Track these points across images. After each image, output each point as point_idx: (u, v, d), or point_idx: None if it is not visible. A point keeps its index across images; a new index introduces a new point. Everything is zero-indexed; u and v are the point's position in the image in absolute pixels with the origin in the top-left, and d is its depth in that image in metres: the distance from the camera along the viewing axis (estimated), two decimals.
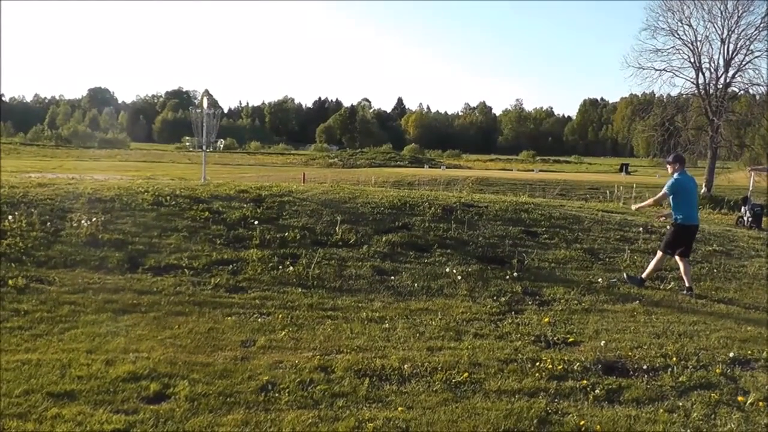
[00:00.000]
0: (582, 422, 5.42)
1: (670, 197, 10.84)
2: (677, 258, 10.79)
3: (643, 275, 10.80)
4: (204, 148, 18.90)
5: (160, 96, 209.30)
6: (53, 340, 6.94)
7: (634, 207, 12.52)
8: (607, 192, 32.42)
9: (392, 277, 10.24)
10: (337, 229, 12.11)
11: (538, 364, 6.80)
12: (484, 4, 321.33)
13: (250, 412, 5.40)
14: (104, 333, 7.22)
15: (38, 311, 7.78)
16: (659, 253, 10.84)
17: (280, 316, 8.18)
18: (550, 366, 6.70)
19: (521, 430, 5.28)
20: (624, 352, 7.33)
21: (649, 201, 11.70)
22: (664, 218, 11.80)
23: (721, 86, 43.63)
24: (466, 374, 6.41)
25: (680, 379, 6.56)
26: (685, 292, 10.43)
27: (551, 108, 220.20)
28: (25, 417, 5.09)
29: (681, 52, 44.26)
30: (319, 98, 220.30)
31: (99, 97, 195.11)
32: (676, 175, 10.77)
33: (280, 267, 10.23)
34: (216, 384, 5.92)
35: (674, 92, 49.98)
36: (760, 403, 5.99)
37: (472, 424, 5.35)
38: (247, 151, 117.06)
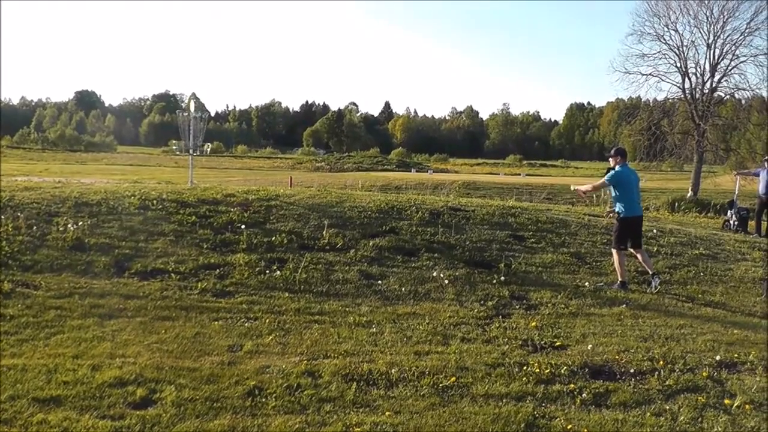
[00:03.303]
0: (569, 426, 5.43)
1: (612, 189, 11.20)
2: (632, 251, 11.04)
3: (620, 278, 10.88)
4: (191, 151, 18.86)
5: (147, 99, 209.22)
6: (39, 345, 6.90)
7: (572, 187, 12.57)
8: (594, 196, 32.46)
9: (379, 282, 10.23)
10: (324, 233, 12.09)
11: (525, 368, 6.81)
12: (471, 7, 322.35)
13: (237, 417, 5.39)
14: (90, 338, 7.19)
15: (24, 316, 7.73)
16: (613, 251, 11.09)
17: (267, 320, 8.17)
18: (538, 370, 6.71)
19: None
20: (611, 355, 7.35)
21: (588, 186, 12.01)
22: (611, 215, 11.84)
23: (707, 91, 43.84)
24: (453, 378, 6.42)
25: (667, 382, 6.58)
26: (653, 280, 10.77)
27: (538, 112, 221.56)
28: (11, 423, 5.06)
29: (667, 56, 44.48)
30: (307, 102, 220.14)
31: (86, 100, 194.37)
32: (617, 168, 11.05)
33: (267, 271, 10.21)
34: (203, 389, 5.90)
35: (660, 97, 50.16)
36: (747, 406, 6.02)
37: (460, 429, 5.35)
38: (234, 154, 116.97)
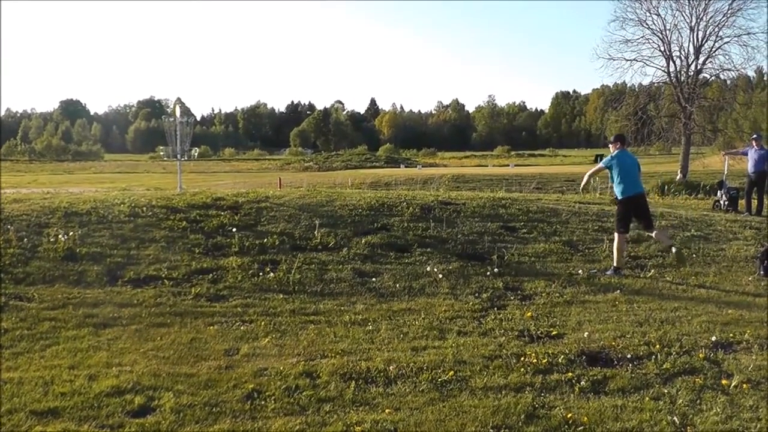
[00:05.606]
0: (569, 414, 5.42)
1: (610, 174, 11.16)
2: (648, 234, 11.06)
3: (614, 263, 10.89)
4: (179, 156, 18.79)
5: (132, 106, 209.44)
6: (35, 357, 6.86)
7: (581, 189, 12.75)
8: (594, 183, 32.55)
9: (373, 279, 10.22)
10: (315, 233, 12.08)
11: (522, 358, 6.80)
12: (452, 1, 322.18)
13: (237, 421, 5.36)
14: (86, 348, 7.15)
15: (18, 329, 7.68)
16: (615, 235, 11.05)
17: (263, 323, 8.14)
18: (535, 360, 6.71)
19: (509, 426, 5.28)
20: (607, 342, 7.36)
21: (585, 177, 11.90)
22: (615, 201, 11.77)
23: (692, 73, 43.91)
24: (451, 373, 6.41)
25: (664, 366, 6.59)
26: (672, 250, 10.71)
27: (524, 102, 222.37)
28: None
29: (651, 41, 44.47)
30: (292, 102, 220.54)
31: (71, 109, 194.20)
32: (615, 152, 11.08)
33: (261, 273, 10.19)
34: (201, 394, 5.87)
35: (646, 81, 50.05)
36: (744, 386, 6.03)
37: (460, 423, 5.34)
38: (221, 158, 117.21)
